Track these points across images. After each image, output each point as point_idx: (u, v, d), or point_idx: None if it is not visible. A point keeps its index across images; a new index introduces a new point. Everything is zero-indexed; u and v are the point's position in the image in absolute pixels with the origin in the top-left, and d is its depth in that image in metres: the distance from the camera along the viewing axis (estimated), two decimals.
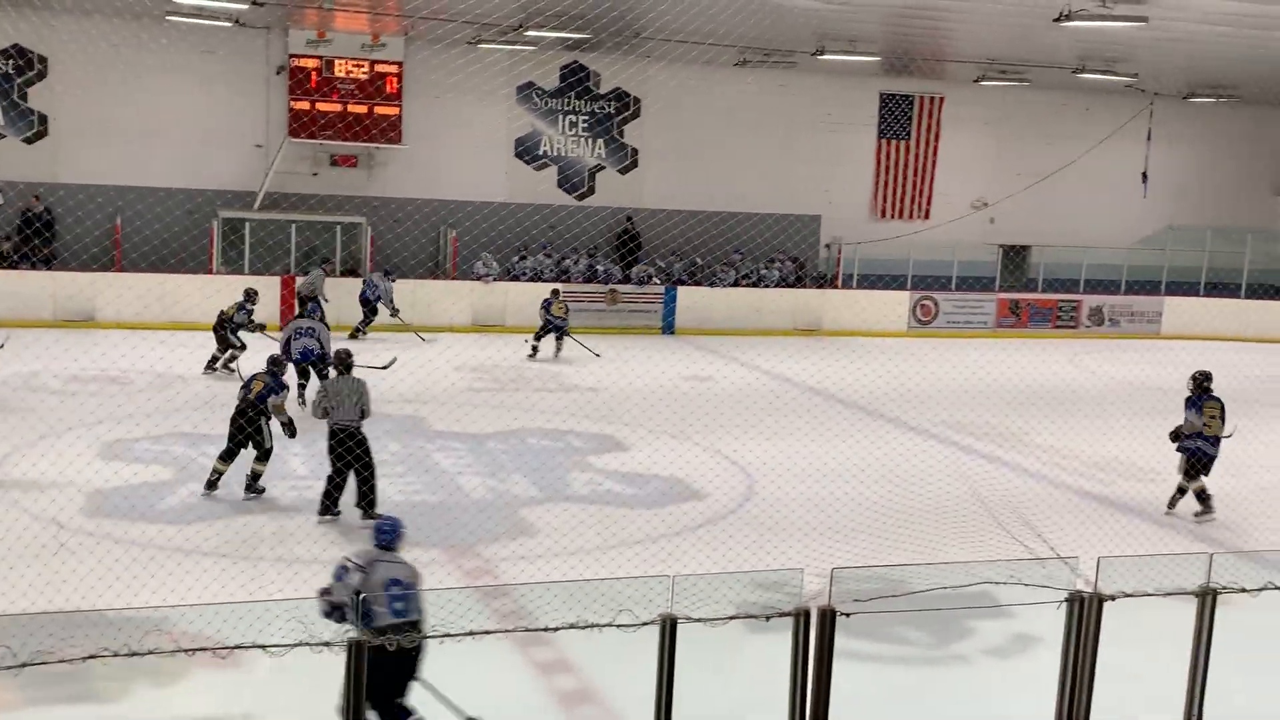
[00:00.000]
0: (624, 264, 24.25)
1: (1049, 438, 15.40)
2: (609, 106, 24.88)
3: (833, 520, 10.99)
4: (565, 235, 24.22)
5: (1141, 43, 19.35)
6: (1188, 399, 12.13)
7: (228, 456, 10.97)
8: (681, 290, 23.79)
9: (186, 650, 4.67)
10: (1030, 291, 26.97)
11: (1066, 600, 5.32)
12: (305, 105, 22.14)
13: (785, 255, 25.38)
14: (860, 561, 9.18)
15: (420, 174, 23.53)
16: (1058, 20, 15.43)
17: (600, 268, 23.96)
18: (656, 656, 4.69)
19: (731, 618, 4.77)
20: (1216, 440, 11.90)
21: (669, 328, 23.49)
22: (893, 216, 26.97)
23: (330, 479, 10.40)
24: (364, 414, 10.52)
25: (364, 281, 21.16)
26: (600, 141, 24.95)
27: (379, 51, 22.48)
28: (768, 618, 4.82)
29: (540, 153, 24.72)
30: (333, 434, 10.39)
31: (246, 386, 11.14)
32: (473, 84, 22.08)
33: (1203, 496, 11.84)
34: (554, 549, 9.94)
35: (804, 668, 4.91)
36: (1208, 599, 5.52)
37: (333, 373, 11.01)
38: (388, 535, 6.41)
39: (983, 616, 8.69)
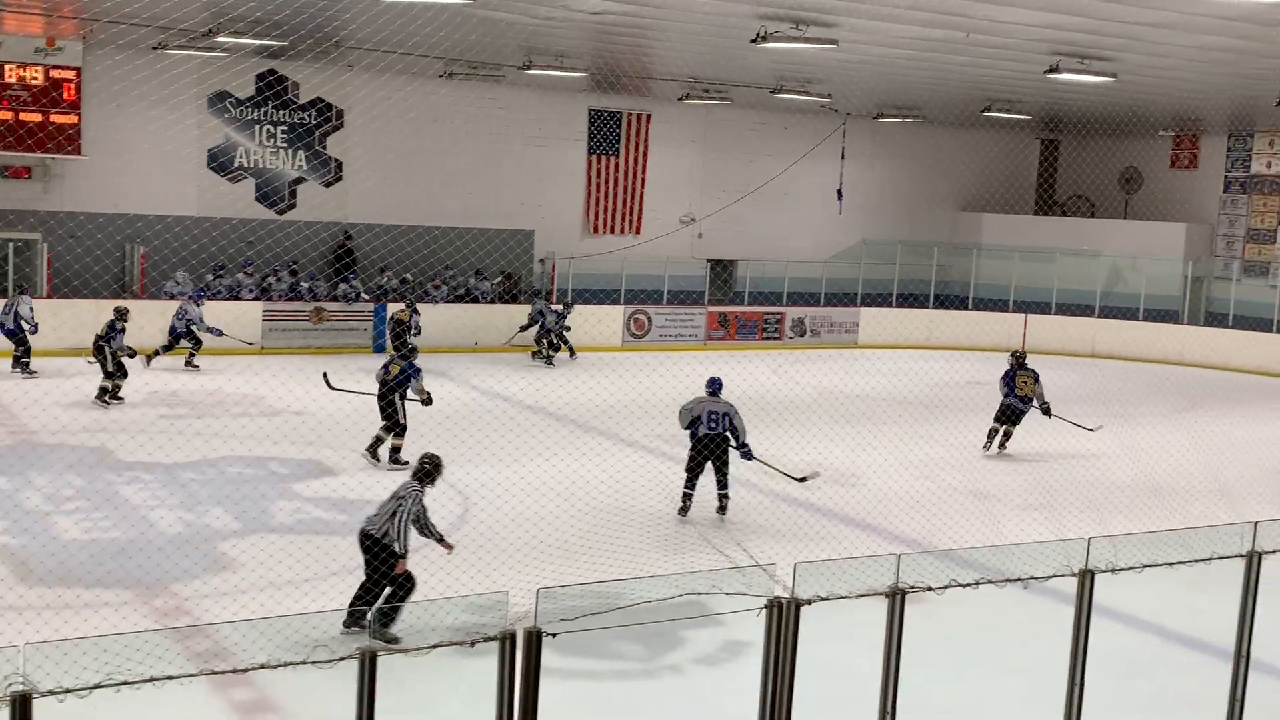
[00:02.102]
0: (333, 281, 23.65)
1: (756, 446, 15.99)
2: (310, 117, 24.24)
3: (549, 538, 11.06)
4: (267, 253, 23.40)
5: (832, 65, 20.46)
6: (1005, 372, 16.43)
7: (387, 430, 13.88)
8: (392, 307, 23.42)
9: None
10: (737, 304, 28.03)
11: (766, 606, 5.52)
12: None
13: (500, 271, 25.42)
14: (576, 578, 9.28)
15: (103, 186, 22.20)
16: (754, 41, 16.09)
17: (305, 285, 23.29)
18: (355, 692, 4.58)
19: (434, 646, 4.71)
20: (1027, 399, 16.30)
21: (379, 346, 23.07)
22: (605, 231, 27.47)
23: None
24: None
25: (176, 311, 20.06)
26: (301, 153, 24.26)
27: (54, 56, 21.08)
28: (472, 644, 4.79)
29: (236, 165, 23.79)
30: None
31: (385, 369, 14.14)
32: (160, 92, 21.02)
33: (1006, 437, 16.36)
34: (255, 583, 9.57)
35: (511, 691, 4.90)
36: (897, 598, 5.85)
37: None
38: None
39: (694, 626, 8.96)
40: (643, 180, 27.76)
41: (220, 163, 23.64)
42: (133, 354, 17.34)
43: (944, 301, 29.64)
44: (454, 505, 12.37)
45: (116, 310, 17.34)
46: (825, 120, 27.56)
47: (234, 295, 22.60)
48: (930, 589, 5.97)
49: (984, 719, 8.23)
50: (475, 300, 24.79)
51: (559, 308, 23.63)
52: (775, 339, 27.45)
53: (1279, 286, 28.56)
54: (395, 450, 13.86)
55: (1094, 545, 6.42)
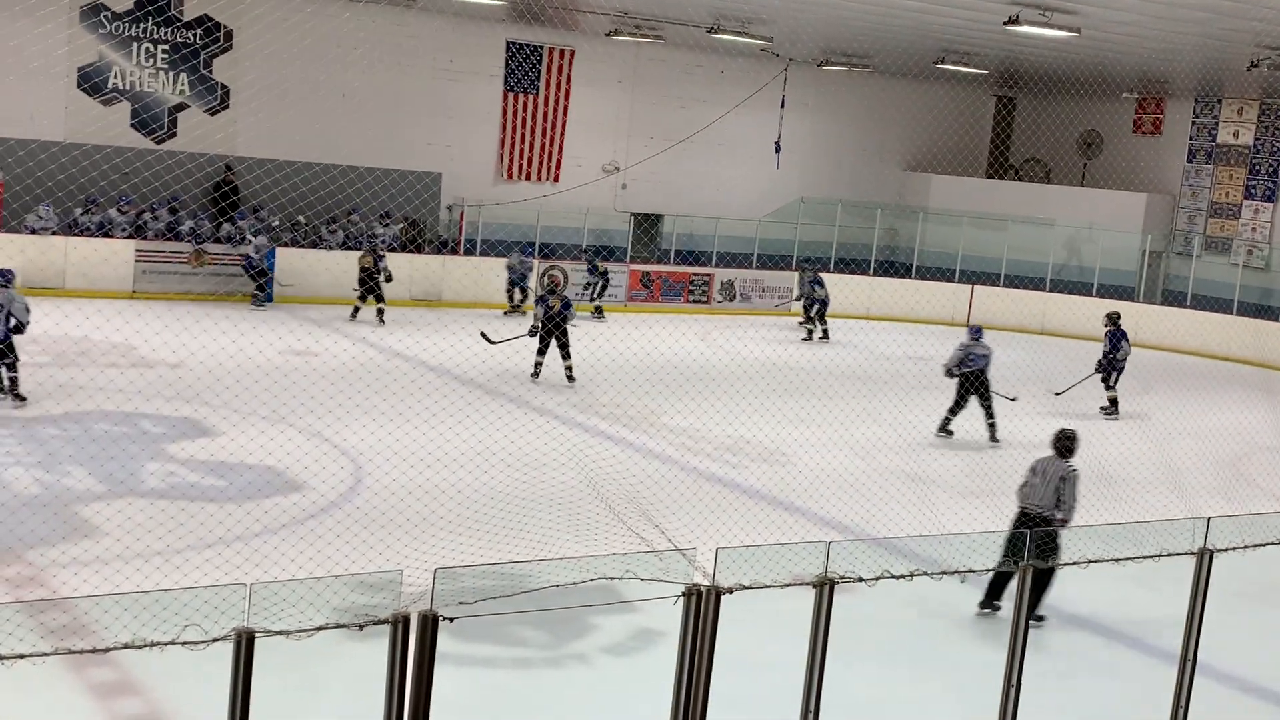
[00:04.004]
0: (216, 221, 23.22)
1: (679, 419, 16.10)
2: (195, 36, 23.70)
3: (449, 513, 11.02)
4: (143, 186, 22.89)
5: (775, 3, 20.47)
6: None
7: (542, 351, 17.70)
8: (281, 252, 23.07)
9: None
10: (662, 264, 28.04)
11: (684, 594, 5.54)
12: None
13: (403, 217, 25.17)
14: (477, 557, 9.25)
15: None
16: None
17: (188, 225, 22.85)
18: (230, 676, 4.52)
19: (319, 628, 4.66)
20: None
21: (268, 295, 22.74)
22: (520, 178, 27.29)
23: None
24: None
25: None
26: (184, 76, 23.73)
27: None
28: (361, 626, 4.75)
29: (110, 86, 23.20)
30: None
31: (545, 303, 18.00)
32: (26, 1, 20.40)
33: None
34: (120, 552, 9.41)
35: (403, 678, 4.87)
36: (825, 589, 5.91)
37: None
38: None
39: (605, 613, 8.99)
40: (564, 123, 27.59)
41: (93, 83, 23.03)
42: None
43: (886, 268, 29.91)
44: (345, 473, 12.27)
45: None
46: (765, 65, 27.57)
47: (105, 233, 22.10)
48: (861, 580, 6.04)
49: (913, 718, 8.37)
50: (373, 248, 24.51)
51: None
52: (703, 303, 27.52)
53: (1241, 265, 29.26)
54: (567, 370, 17.69)
55: (1034, 537, 6.54)
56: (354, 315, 21.87)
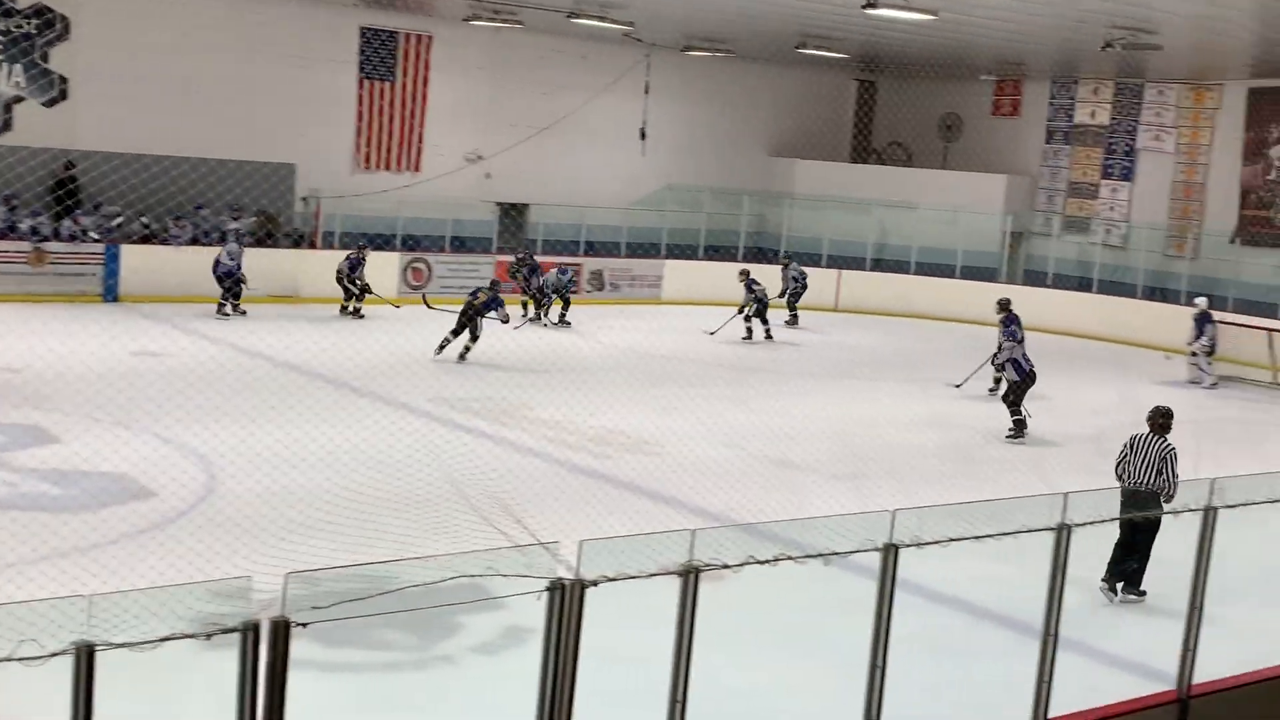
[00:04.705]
0: (56, 216, 22.52)
1: (548, 411, 16.08)
2: (29, 25, 22.94)
3: (307, 516, 10.85)
4: None
5: None
6: None
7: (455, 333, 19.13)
8: (126, 249, 22.47)
9: None
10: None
11: (547, 589, 5.53)
12: None
13: (256, 210, 24.69)
14: (335, 561, 9.11)
15: None
16: None
17: (27, 223, 22.15)
18: (71, 692, 4.39)
19: (164, 639, 4.55)
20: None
21: (111, 293, 22.14)
22: (379, 168, 26.96)
23: None
24: None
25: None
26: (19, 67, 22.95)
27: None
28: (208, 636, 4.65)
29: None
30: None
31: (474, 294, 19.75)
32: None
33: None
34: None
35: (255, 688, 4.78)
36: (690, 577, 5.94)
37: None
38: None
39: (472, 612, 8.93)
40: (423, 111, 27.32)
41: None
42: None
43: (754, 254, 30.22)
44: (197, 479, 12.01)
45: None
46: (628, 51, 27.64)
47: None
48: (726, 566, 6.09)
49: (783, 703, 8.47)
50: (222, 241, 24.06)
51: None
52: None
53: (1100, 244, 30.17)
54: (465, 349, 19.27)
55: (899, 518, 6.65)
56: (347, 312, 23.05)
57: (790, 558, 6.39)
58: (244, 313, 21.85)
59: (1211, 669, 8.15)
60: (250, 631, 4.72)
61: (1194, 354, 22.42)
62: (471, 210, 27.67)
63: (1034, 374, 17.10)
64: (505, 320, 19.87)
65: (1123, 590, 10.60)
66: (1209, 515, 7.75)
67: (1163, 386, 21.45)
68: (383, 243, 25.63)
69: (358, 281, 23.11)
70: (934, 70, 28.63)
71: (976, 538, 6.92)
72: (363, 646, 8.56)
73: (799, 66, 30.02)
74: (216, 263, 22.05)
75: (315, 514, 10.93)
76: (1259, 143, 28.11)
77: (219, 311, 21.79)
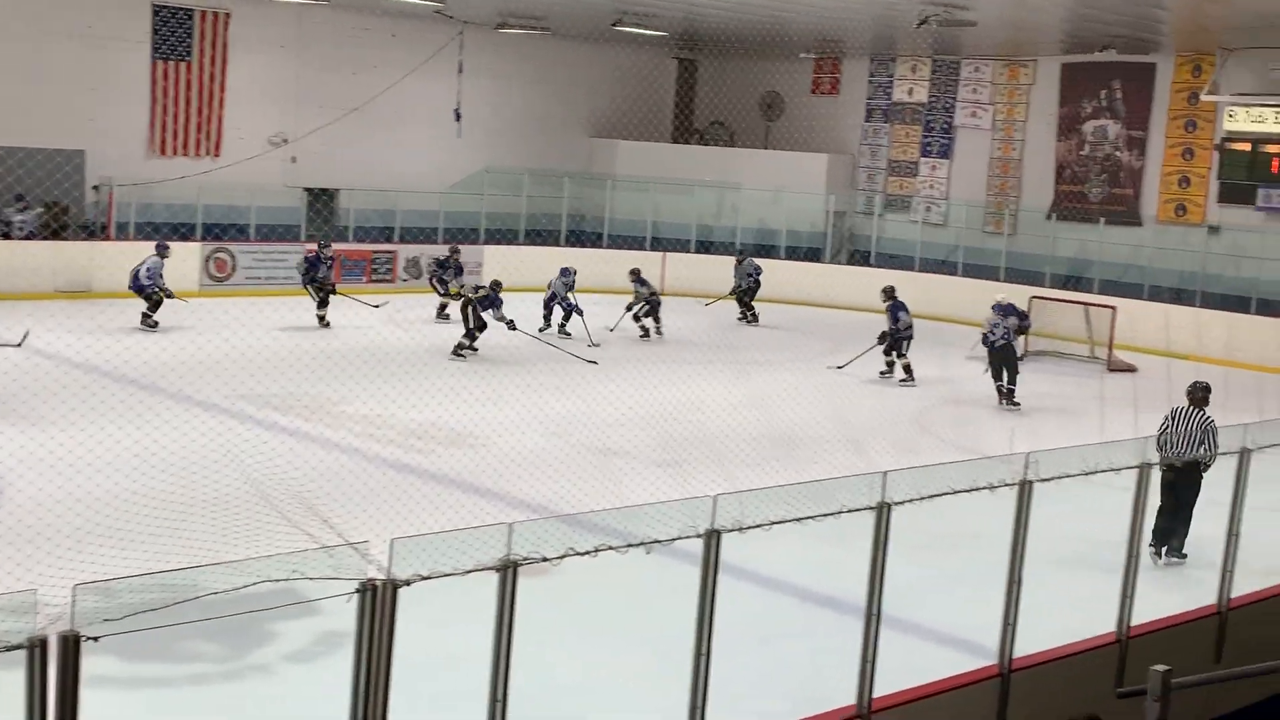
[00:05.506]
0: None
1: (362, 406, 15.89)
2: None
3: (99, 524, 10.51)
4: None
5: None
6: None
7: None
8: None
9: None
10: (341, 241, 27.52)
11: (358, 591, 5.48)
12: None
13: (42, 200, 23.81)
14: (133, 570, 8.86)
15: None
16: None
17: None
18: None
19: None
20: None
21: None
22: (176, 153, 26.22)
23: None
24: None
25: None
26: None
27: None
28: None
29: None
30: None
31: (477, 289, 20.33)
32: None
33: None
34: None
35: (45, 708, 4.64)
36: (508, 572, 5.94)
37: None
38: None
39: (286, 619, 8.77)
40: (222, 93, 26.67)
41: None
42: None
43: (577, 238, 30.29)
44: None
45: None
46: (440, 28, 27.39)
47: None
48: (545, 559, 6.11)
49: (608, 696, 8.55)
50: (7, 235, 23.15)
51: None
52: (387, 281, 27.17)
53: (921, 222, 31.02)
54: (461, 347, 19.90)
55: (721, 503, 6.76)
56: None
57: (611, 548, 6.45)
58: (154, 325, 20.84)
59: (1033, 642, 8.49)
60: (37, 648, 4.59)
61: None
62: (277, 196, 27.09)
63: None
64: (504, 321, 20.17)
65: (1166, 554, 11.54)
66: (1025, 489, 8.07)
67: (983, 363, 22.17)
68: (186, 232, 24.92)
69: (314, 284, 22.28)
70: (754, 48, 29.04)
71: (798, 519, 7.07)
72: (168, 659, 8.38)
73: (618, 44, 30.14)
74: (134, 276, 21.07)
75: (109, 521, 10.59)
76: (1073, 118, 29.25)
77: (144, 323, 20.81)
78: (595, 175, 31.95)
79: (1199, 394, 11.64)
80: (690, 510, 6.77)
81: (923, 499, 7.58)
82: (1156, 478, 9.08)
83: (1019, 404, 18.59)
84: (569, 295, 22.89)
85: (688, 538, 6.70)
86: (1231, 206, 26.66)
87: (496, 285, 20.75)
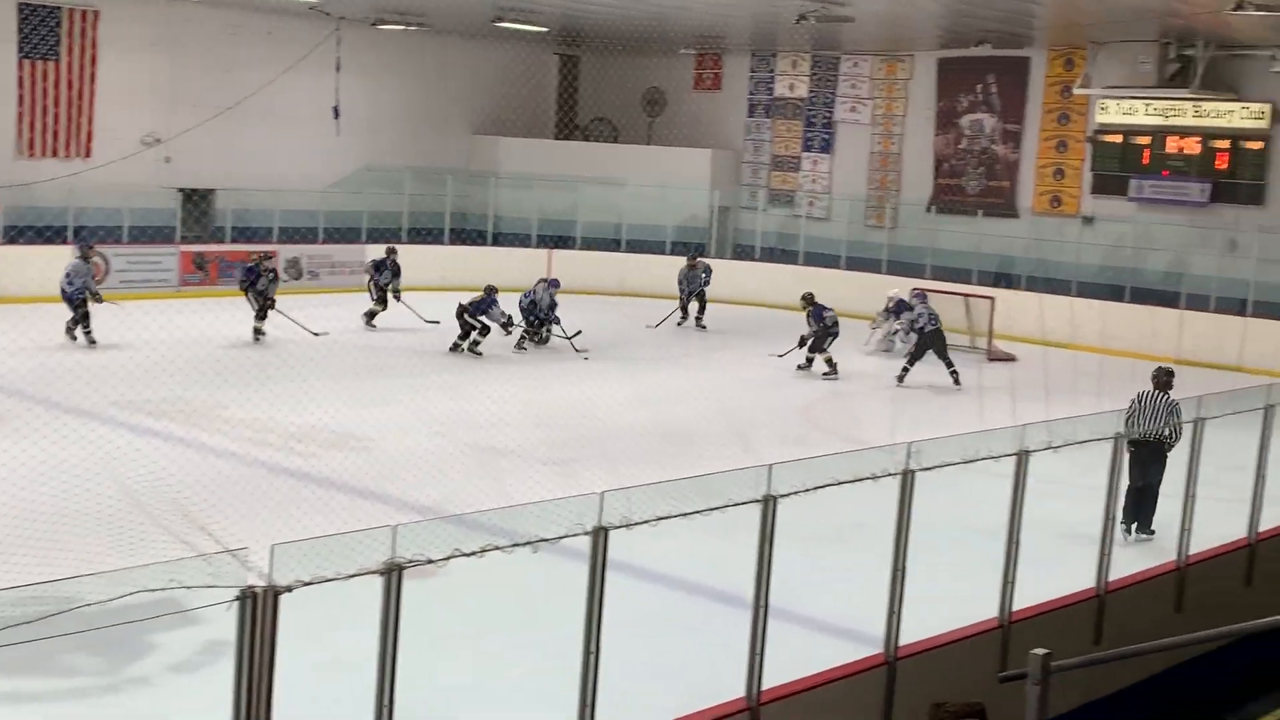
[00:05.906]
0: None
1: (244, 410, 15.64)
2: None
3: None
4: None
5: None
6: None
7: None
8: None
9: None
10: (218, 243, 27.07)
11: (237, 598, 5.41)
12: None
13: None
14: (10, 583, 8.64)
15: None
16: None
17: None
18: None
19: None
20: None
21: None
22: (45, 154, 25.60)
23: None
24: None
25: None
26: None
27: None
28: None
29: None
30: None
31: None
32: None
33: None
34: None
35: None
36: (392, 575, 5.90)
37: None
38: None
39: (166, 629, 8.61)
40: (92, 92, 26.09)
41: None
42: None
43: (461, 236, 30.10)
44: None
45: None
46: (316, 25, 27.04)
47: None
48: (431, 561, 6.07)
49: (497, 697, 8.53)
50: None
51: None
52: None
53: (804, 217, 31.34)
54: (475, 344, 20.54)
55: (608, 500, 6.77)
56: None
57: (498, 547, 6.43)
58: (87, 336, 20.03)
59: (919, 630, 8.63)
60: None
61: (895, 331, 23.30)
62: (151, 198, 26.51)
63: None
64: (504, 321, 20.89)
65: (1136, 530, 12.18)
66: (907, 478, 8.21)
67: (867, 356, 22.51)
68: (51, 235, 24.31)
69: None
70: (635, 44, 29.05)
71: (685, 514, 7.11)
72: (47, 674, 8.21)
73: (499, 40, 30.00)
74: (62, 290, 20.16)
75: None
76: (950, 112, 29.75)
77: (68, 333, 19.98)
78: (478, 173, 31.77)
79: (1163, 378, 12.38)
80: (577, 508, 6.78)
81: (807, 490, 7.66)
82: (1036, 465, 9.26)
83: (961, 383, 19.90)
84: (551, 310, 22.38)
85: (575, 535, 6.71)
86: (1105, 198, 27.29)
87: (491, 290, 21.09)
